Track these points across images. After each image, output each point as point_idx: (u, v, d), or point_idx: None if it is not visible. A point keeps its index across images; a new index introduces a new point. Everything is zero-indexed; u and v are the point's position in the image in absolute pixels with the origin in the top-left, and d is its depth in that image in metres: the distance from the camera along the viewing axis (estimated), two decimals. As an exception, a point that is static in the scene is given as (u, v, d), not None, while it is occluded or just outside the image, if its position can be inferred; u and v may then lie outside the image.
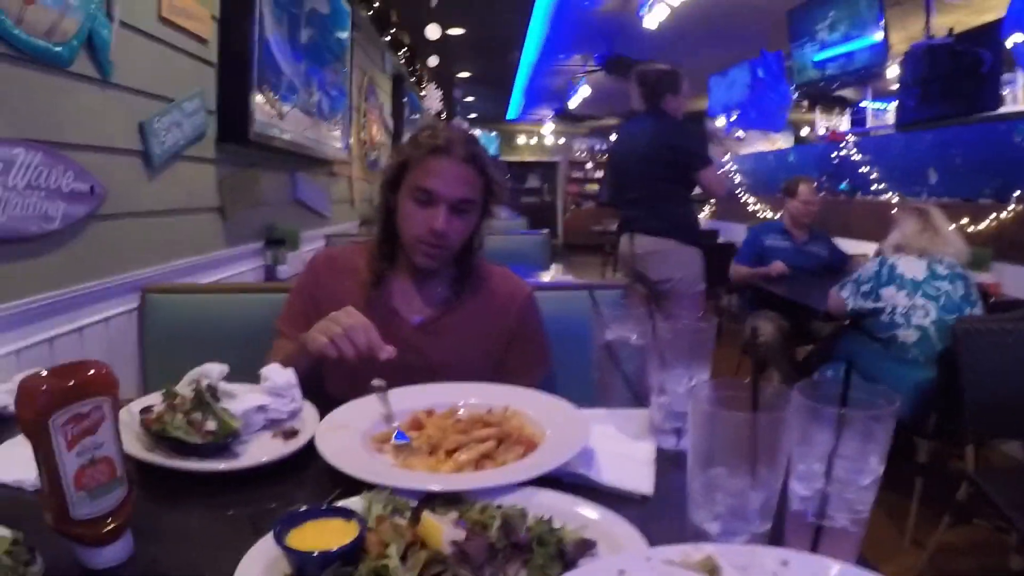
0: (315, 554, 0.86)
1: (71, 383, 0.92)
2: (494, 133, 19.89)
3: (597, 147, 20.68)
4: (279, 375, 1.43)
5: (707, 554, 0.79)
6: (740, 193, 9.86)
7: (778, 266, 5.16)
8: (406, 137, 8.21)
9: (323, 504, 0.99)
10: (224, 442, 1.25)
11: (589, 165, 20.68)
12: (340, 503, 1.02)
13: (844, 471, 0.86)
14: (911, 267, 3.54)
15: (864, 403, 0.86)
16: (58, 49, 2.18)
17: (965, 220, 5.10)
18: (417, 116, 10.05)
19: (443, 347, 1.86)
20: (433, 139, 1.80)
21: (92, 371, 0.96)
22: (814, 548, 0.88)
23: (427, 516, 0.90)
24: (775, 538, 0.91)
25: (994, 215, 4.82)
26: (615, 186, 4.96)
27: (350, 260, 1.96)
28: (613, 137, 4.91)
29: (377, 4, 6.66)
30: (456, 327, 1.89)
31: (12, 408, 1.37)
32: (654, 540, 0.92)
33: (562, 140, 20.45)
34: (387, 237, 1.91)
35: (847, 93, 9.69)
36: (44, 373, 0.92)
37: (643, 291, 4.63)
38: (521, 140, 20.88)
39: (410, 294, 1.92)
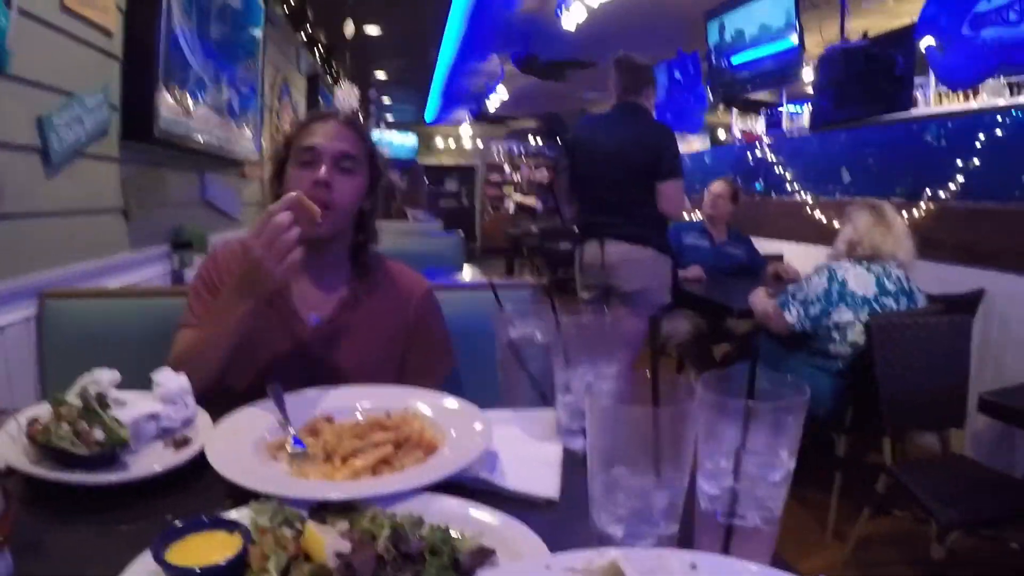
0: (196, 570, 0.81)
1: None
2: (412, 136, 19.78)
3: (516, 150, 20.75)
4: (172, 380, 1.36)
5: (611, 559, 0.75)
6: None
7: (695, 271, 5.13)
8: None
9: (206, 517, 0.93)
10: (112, 452, 1.18)
11: (507, 168, 20.73)
12: (227, 515, 0.96)
13: (754, 467, 0.82)
14: (861, 282, 3.40)
15: (772, 394, 0.83)
16: (-51, 38, 2.06)
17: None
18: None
19: (342, 347, 1.81)
20: (313, 113, 1.88)
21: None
22: (725, 549, 0.84)
23: (310, 527, 0.84)
24: (684, 540, 0.88)
25: (907, 214, 4.93)
26: (581, 190, 4.49)
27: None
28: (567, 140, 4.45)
29: (292, 2, 6.53)
30: (355, 326, 1.85)
31: None
32: (559, 546, 0.87)
33: (480, 143, 20.45)
34: None
35: (763, 96, 9.85)
36: None
37: (610, 306, 4.27)
38: (439, 143, 20.85)
39: (307, 293, 1.86)
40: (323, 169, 1.74)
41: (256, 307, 1.58)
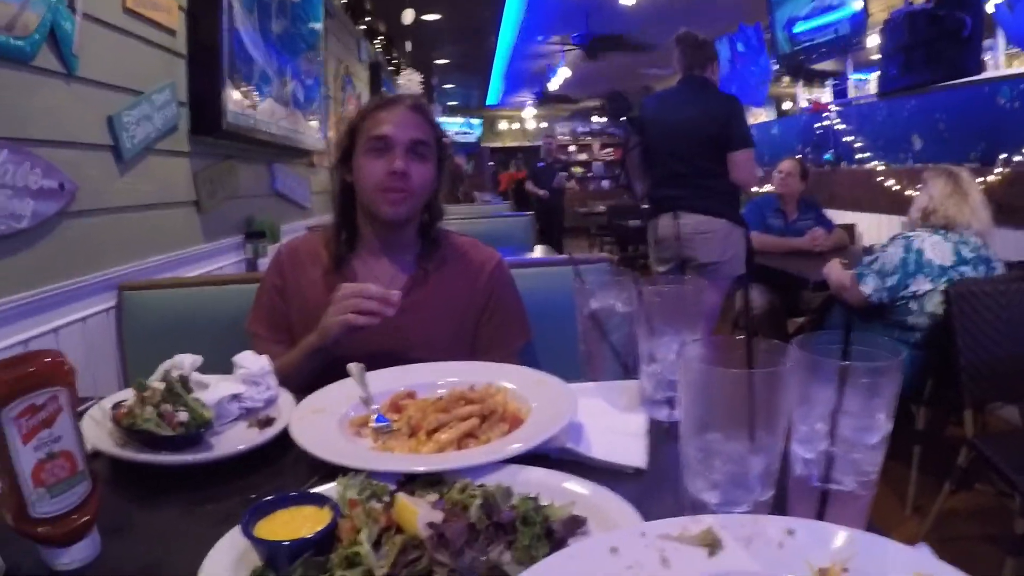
0: (285, 543, 0.81)
1: (23, 373, 0.87)
2: (477, 120, 19.81)
3: (579, 129, 20.72)
4: (253, 362, 1.38)
5: (707, 526, 0.74)
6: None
7: (818, 234, 5.06)
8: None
9: (294, 492, 0.93)
10: (196, 433, 1.19)
11: (572, 148, 20.67)
12: (316, 489, 0.97)
13: (850, 430, 0.80)
14: (938, 251, 3.28)
15: (867, 355, 0.80)
16: (19, 44, 2.10)
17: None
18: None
19: (414, 324, 1.82)
20: (378, 99, 1.88)
21: (47, 360, 0.90)
22: (820, 515, 0.83)
23: (401, 498, 0.84)
24: (778, 506, 0.86)
25: (981, 180, 4.79)
26: (652, 164, 4.51)
27: (312, 248, 1.95)
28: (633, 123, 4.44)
29: (351, -8, 6.58)
30: (425, 303, 1.86)
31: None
32: (649, 515, 0.87)
33: (544, 124, 20.40)
34: (345, 216, 1.92)
35: (828, 65, 9.64)
36: (-9, 366, 0.86)
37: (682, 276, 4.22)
38: (503, 126, 20.89)
39: (375, 274, 1.89)
40: (399, 159, 1.76)
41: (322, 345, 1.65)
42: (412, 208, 1.83)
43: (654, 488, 1.05)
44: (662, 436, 1.20)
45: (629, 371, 1.37)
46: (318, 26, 5.46)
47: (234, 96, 3.54)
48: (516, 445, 1.08)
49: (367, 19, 7.48)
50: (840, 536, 0.73)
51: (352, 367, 1.41)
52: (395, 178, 1.76)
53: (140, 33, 2.87)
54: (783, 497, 0.87)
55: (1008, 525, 2.79)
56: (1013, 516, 2.72)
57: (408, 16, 6.94)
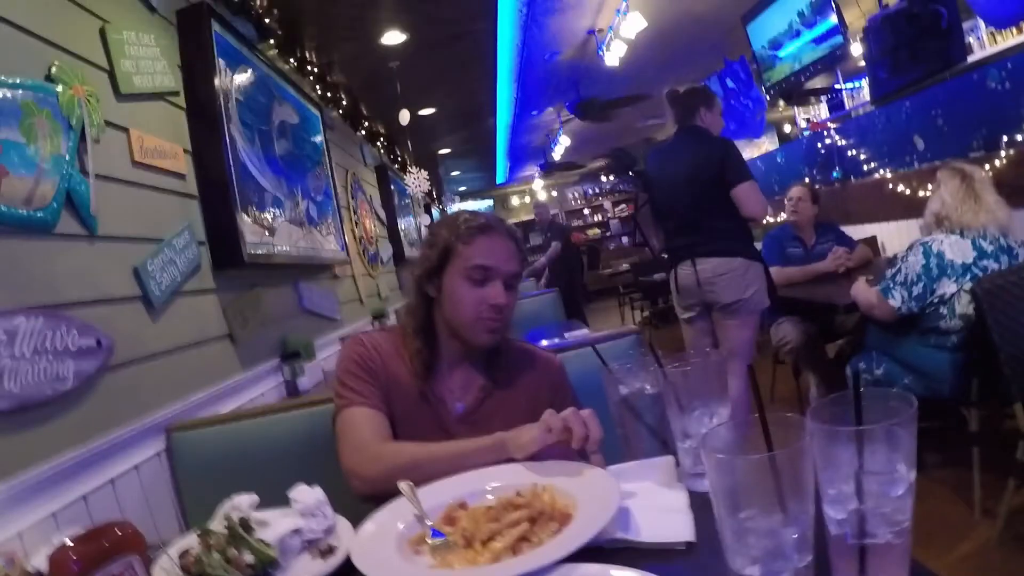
0: None
1: (98, 548, 0.92)
2: (488, 201, 20.01)
3: (590, 191, 20.84)
4: (308, 495, 1.42)
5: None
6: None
7: (839, 253, 5.05)
8: (402, 224, 8.17)
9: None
10: (264, 573, 1.24)
11: (587, 211, 20.79)
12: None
13: (875, 485, 0.83)
14: (958, 250, 3.28)
15: (881, 411, 0.83)
16: (40, 215, 2.21)
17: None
18: (407, 201, 10.12)
19: (487, 432, 1.82)
20: (474, 221, 1.87)
21: (118, 532, 0.96)
22: (863, 569, 0.85)
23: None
24: (821, 565, 0.89)
25: (988, 166, 4.78)
26: (662, 217, 4.63)
27: (387, 344, 1.95)
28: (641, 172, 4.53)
29: (345, 103, 6.75)
30: (496, 411, 1.89)
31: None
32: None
33: (554, 193, 20.59)
34: (426, 328, 1.93)
35: (818, 82, 9.72)
36: (70, 543, 0.92)
37: (709, 324, 4.41)
38: (515, 202, 21.10)
39: (450, 383, 1.92)
40: (502, 293, 1.83)
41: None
42: (504, 333, 1.90)
43: (703, 562, 1.07)
44: (705, 508, 1.22)
45: (668, 446, 1.40)
46: (319, 140, 5.61)
47: (250, 225, 3.65)
48: (568, 544, 1.11)
49: (366, 124, 7.66)
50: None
51: (403, 485, 1.45)
52: (496, 311, 1.82)
53: (152, 183, 2.98)
54: (824, 558, 0.89)
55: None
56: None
57: (404, 117, 7.11)
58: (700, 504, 1.24)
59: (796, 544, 0.85)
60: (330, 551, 1.32)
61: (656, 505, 1.24)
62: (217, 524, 1.34)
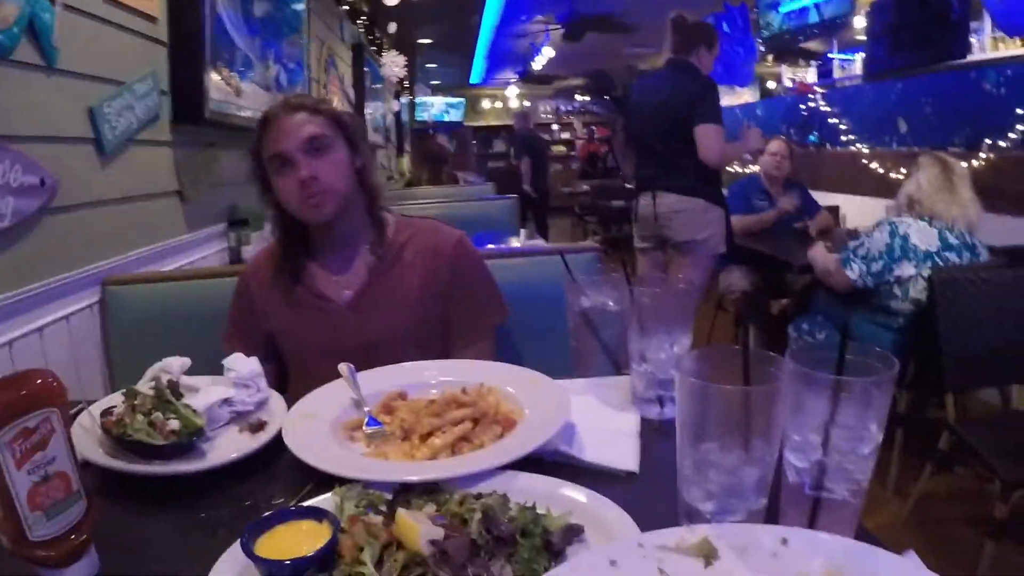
0: (286, 562, 0.81)
1: (15, 397, 0.85)
2: (459, 99, 19.72)
3: (563, 108, 20.65)
4: (243, 365, 1.37)
5: (703, 536, 0.75)
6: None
7: (788, 202, 5.12)
8: (369, 108, 7.96)
9: (292, 503, 0.93)
10: (189, 441, 1.19)
11: (555, 127, 20.61)
12: (312, 501, 0.98)
13: (843, 440, 0.80)
14: (924, 237, 3.30)
15: (861, 367, 0.81)
16: (-1, 37, 2.07)
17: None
18: (379, 86, 9.88)
19: (381, 314, 1.85)
20: (261, 121, 1.89)
21: (38, 381, 0.89)
22: (812, 522, 0.83)
23: (402, 515, 0.84)
24: (771, 512, 0.87)
25: (966, 165, 4.80)
26: (636, 145, 4.63)
27: (267, 264, 1.97)
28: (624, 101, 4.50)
29: (333, -28, 6.51)
30: (390, 291, 1.87)
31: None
32: (643, 520, 0.88)
33: (527, 103, 20.32)
34: (286, 230, 1.94)
35: (813, 45, 9.66)
36: (-17, 388, 0.86)
37: (662, 258, 4.49)
38: (486, 104, 20.81)
39: (334, 274, 1.91)
40: (301, 168, 1.77)
41: None
42: (337, 202, 1.83)
43: (646, 490, 1.05)
44: (653, 435, 1.21)
45: (620, 368, 1.38)
46: (301, 7, 5.40)
47: (217, 82, 3.50)
48: (511, 451, 1.08)
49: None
50: (832, 545, 0.74)
51: (342, 367, 1.41)
52: (306, 185, 1.77)
53: (121, 22, 2.81)
54: (775, 503, 0.87)
55: (987, 508, 2.82)
56: (992, 500, 2.76)
57: (392, -3, 6.89)
58: (649, 432, 1.22)
59: (755, 485, 0.82)
60: (260, 427, 1.28)
61: (605, 426, 1.21)
62: (144, 386, 1.29)
